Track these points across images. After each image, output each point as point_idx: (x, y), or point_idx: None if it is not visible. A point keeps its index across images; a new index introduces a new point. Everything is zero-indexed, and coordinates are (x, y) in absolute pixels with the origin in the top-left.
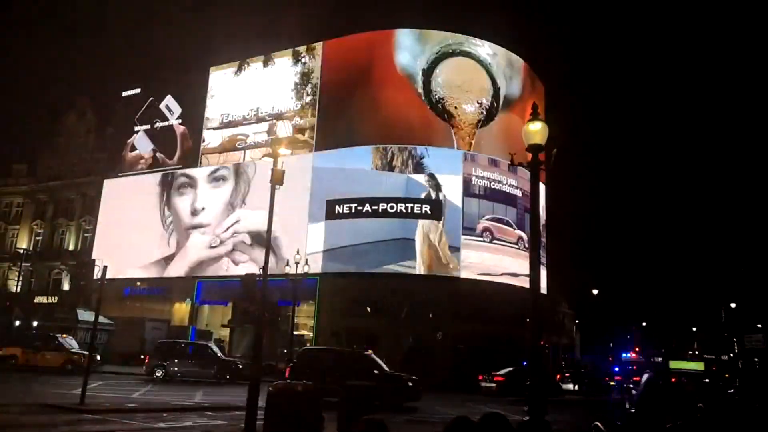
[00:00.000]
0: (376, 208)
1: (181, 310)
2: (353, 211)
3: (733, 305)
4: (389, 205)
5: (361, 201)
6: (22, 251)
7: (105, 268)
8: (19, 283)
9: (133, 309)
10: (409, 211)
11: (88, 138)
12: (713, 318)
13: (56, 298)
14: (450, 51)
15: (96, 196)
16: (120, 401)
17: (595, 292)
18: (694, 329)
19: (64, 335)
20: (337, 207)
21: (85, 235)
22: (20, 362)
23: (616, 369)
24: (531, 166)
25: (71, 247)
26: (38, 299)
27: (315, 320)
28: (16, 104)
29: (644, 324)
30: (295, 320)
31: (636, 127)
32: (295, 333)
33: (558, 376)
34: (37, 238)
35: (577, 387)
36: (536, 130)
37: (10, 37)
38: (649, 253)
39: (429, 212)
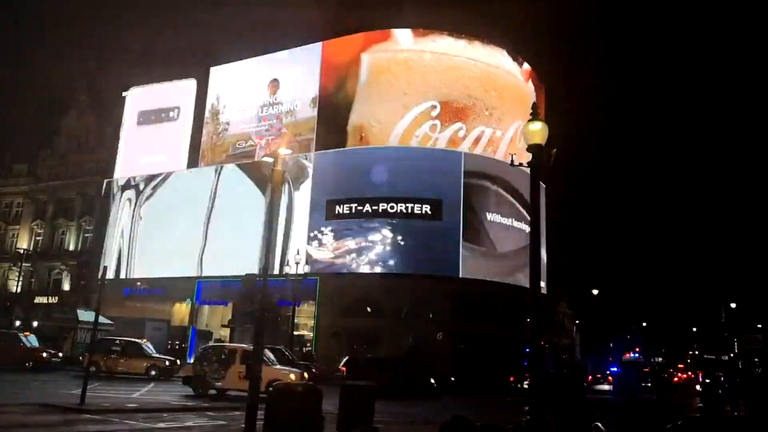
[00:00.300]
0: (376, 208)
1: (181, 310)
2: (353, 211)
3: (733, 305)
4: (389, 205)
5: (362, 201)
6: (22, 251)
7: (105, 268)
8: (19, 283)
9: (133, 309)
10: (410, 211)
11: (88, 138)
12: (713, 318)
13: (56, 298)
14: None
15: (96, 196)
16: (120, 401)
17: (595, 292)
18: (694, 329)
19: (145, 339)
20: (337, 207)
21: (85, 235)
22: (102, 370)
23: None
24: (531, 166)
25: (71, 247)
26: (38, 299)
27: (315, 320)
28: (16, 104)
29: (644, 324)
30: (295, 320)
31: (637, 127)
32: (295, 333)
33: (590, 378)
34: (37, 238)
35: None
36: (536, 130)
37: (10, 37)
38: (648, 253)
39: (429, 212)
